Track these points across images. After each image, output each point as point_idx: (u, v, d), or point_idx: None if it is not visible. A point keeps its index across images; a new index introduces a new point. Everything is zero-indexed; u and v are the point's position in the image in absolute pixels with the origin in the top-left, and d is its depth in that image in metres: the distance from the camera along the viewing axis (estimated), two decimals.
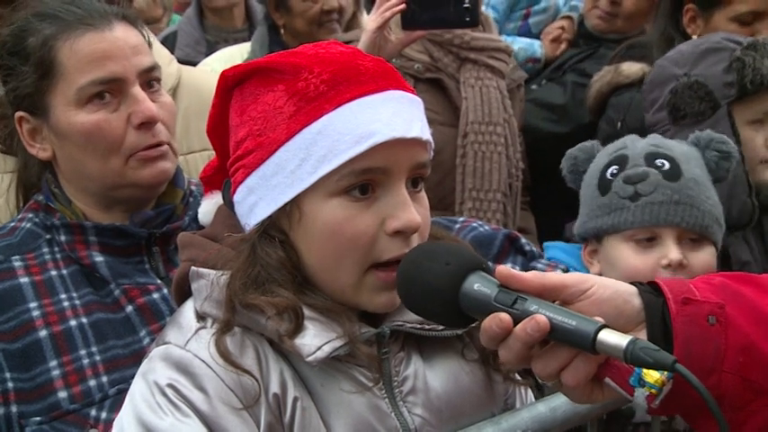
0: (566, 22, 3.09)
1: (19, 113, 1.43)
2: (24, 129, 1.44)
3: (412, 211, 1.07)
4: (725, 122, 1.93)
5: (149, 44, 1.49)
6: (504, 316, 0.91)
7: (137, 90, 1.39)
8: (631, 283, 0.97)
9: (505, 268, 0.94)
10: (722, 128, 1.93)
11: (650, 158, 1.61)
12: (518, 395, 1.23)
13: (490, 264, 1.05)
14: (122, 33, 1.41)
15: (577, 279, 0.95)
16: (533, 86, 2.78)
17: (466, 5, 2.07)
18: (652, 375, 0.88)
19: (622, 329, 0.90)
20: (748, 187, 1.88)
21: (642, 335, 0.93)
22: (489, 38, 2.43)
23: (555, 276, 0.95)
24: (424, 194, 1.12)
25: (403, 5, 2.02)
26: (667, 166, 1.59)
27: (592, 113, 2.41)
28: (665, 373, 0.87)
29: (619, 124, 2.19)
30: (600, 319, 0.88)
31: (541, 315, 0.89)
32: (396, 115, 1.07)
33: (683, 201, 1.57)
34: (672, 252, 1.56)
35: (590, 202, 1.67)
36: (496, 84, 2.38)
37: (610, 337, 0.86)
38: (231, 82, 1.14)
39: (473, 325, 1.01)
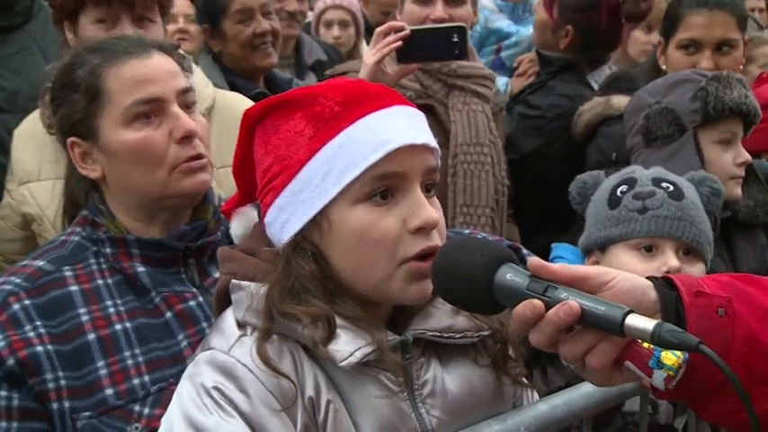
0: (535, 56, 3.09)
1: (71, 139, 1.42)
2: (76, 152, 1.43)
3: (429, 209, 1.07)
4: (690, 144, 1.97)
5: (189, 68, 1.50)
6: (537, 302, 0.90)
7: (176, 108, 1.40)
8: (646, 278, 0.97)
9: (537, 260, 0.93)
10: (688, 148, 1.97)
11: (657, 181, 1.66)
12: (525, 397, 1.22)
13: None
14: (160, 60, 1.42)
15: (601, 271, 0.94)
16: None
17: (455, 40, 2.08)
18: (670, 358, 0.88)
19: None
20: None
21: None
22: (474, 66, 2.43)
23: (581, 268, 0.94)
24: (436, 199, 1.12)
25: (399, 42, 2.03)
26: (672, 188, 1.65)
27: (580, 140, 2.42)
28: (681, 357, 0.87)
29: (614, 155, 2.20)
30: (625, 306, 0.88)
31: (573, 301, 0.88)
32: (406, 125, 1.08)
33: (685, 218, 1.61)
34: (672, 260, 1.60)
35: (598, 215, 1.71)
36: (482, 108, 2.37)
37: (637, 321, 0.86)
38: (253, 119, 1.14)
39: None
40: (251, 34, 2.61)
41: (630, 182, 1.67)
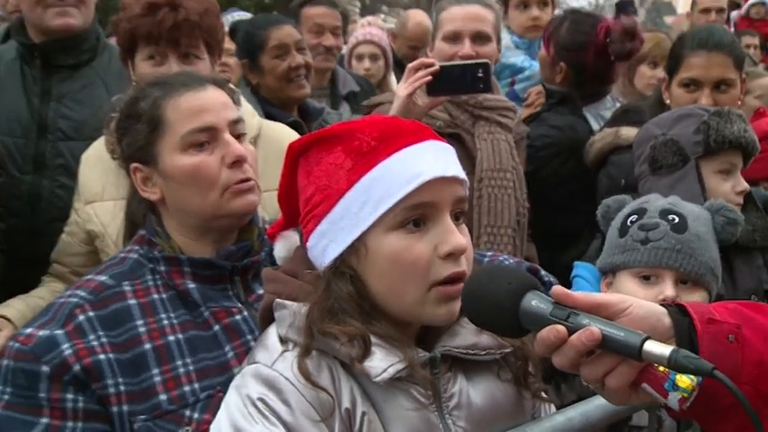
0: (542, 88, 3.13)
1: (133, 165, 1.50)
2: (138, 177, 1.50)
3: (458, 236, 1.11)
4: (693, 173, 2.00)
5: (238, 101, 1.57)
6: (561, 327, 0.92)
7: (228, 136, 1.47)
8: (660, 305, 0.99)
9: (560, 288, 0.96)
10: (691, 177, 2.00)
11: (664, 213, 1.69)
12: (543, 410, 1.26)
13: None
14: (214, 93, 1.50)
15: (619, 299, 0.96)
16: None
17: (480, 75, 2.13)
18: (684, 381, 0.90)
19: None
20: None
21: None
22: (498, 98, 2.48)
23: (600, 296, 0.97)
24: (464, 226, 1.16)
25: (429, 77, 2.08)
26: (677, 220, 1.67)
27: (591, 167, 2.48)
28: (695, 379, 0.90)
29: (623, 182, 2.25)
30: (642, 332, 0.90)
31: (595, 327, 0.91)
32: (436, 159, 1.12)
33: (684, 250, 1.64)
34: (668, 290, 1.62)
35: (611, 241, 1.76)
36: (505, 137, 2.42)
37: (654, 347, 0.88)
38: (297, 152, 1.19)
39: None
40: (286, 68, 2.71)
41: (641, 212, 1.71)
